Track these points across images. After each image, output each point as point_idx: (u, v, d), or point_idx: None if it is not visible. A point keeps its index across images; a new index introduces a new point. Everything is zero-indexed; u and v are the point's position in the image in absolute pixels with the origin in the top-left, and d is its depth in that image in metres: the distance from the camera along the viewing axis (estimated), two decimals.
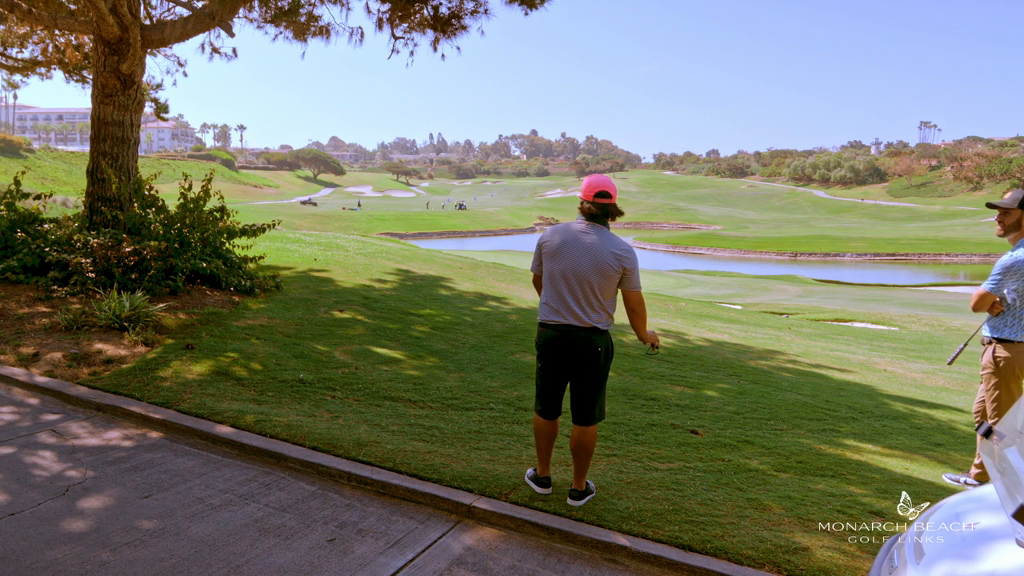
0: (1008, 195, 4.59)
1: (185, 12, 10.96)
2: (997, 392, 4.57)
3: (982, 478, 4.72)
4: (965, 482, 4.79)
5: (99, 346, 6.66)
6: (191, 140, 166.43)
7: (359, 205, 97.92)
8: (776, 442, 5.39)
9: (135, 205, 9.04)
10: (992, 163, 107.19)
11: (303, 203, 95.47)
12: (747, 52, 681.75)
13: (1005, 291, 4.47)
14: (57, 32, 12.92)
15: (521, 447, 5.01)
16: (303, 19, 10.70)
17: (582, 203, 3.95)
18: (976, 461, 4.85)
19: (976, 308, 4.59)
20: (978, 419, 4.83)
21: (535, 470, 4.31)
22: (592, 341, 3.92)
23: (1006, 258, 4.45)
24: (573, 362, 3.96)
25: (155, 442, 5.00)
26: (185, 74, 20.11)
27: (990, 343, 4.61)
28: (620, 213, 3.97)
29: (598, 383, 4.00)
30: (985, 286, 4.53)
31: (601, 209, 3.89)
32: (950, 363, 5.29)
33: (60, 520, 3.80)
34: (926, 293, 34.25)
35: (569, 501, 4.05)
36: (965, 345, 5.06)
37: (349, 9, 10.85)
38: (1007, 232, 4.56)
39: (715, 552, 3.57)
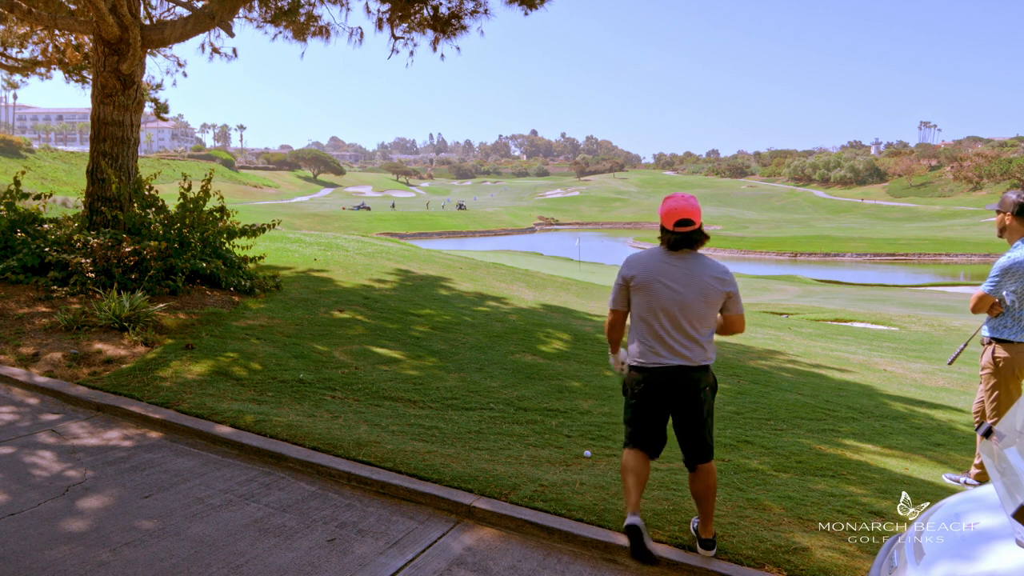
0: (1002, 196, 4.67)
1: (185, 12, 10.96)
2: (996, 392, 4.58)
3: (982, 478, 4.72)
4: (965, 482, 4.79)
5: (99, 346, 6.66)
6: (191, 140, 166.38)
7: (393, 206, 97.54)
8: (776, 442, 5.39)
9: (135, 205, 9.04)
10: (992, 163, 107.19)
11: (356, 208, 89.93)
12: (747, 52, 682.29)
13: (1004, 292, 4.48)
14: (57, 32, 12.93)
15: (521, 447, 5.01)
16: (303, 19, 10.70)
17: (663, 232, 3.53)
18: (976, 461, 4.85)
19: (975, 310, 4.61)
20: (977, 419, 4.84)
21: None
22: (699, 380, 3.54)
23: (1004, 260, 4.47)
24: (679, 402, 3.54)
25: (155, 442, 5.00)
26: (185, 74, 20.16)
27: (989, 343, 4.62)
28: (707, 237, 3.52)
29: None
30: (984, 288, 4.55)
31: (684, 238, 3.46)
32: (950, 363, 5.30)
33: (60, 520, 3.80)
34: (926, 293, 34.26)
35: (702, 550, 3.57)
36: (965, 345, 5.07)
37: (349, 9, 10.87)
38: (1000, 233, 4.62)
39: (715, 554, 3.57)
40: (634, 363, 3.60)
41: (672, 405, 3.57)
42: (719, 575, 3.42)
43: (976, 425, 4.61)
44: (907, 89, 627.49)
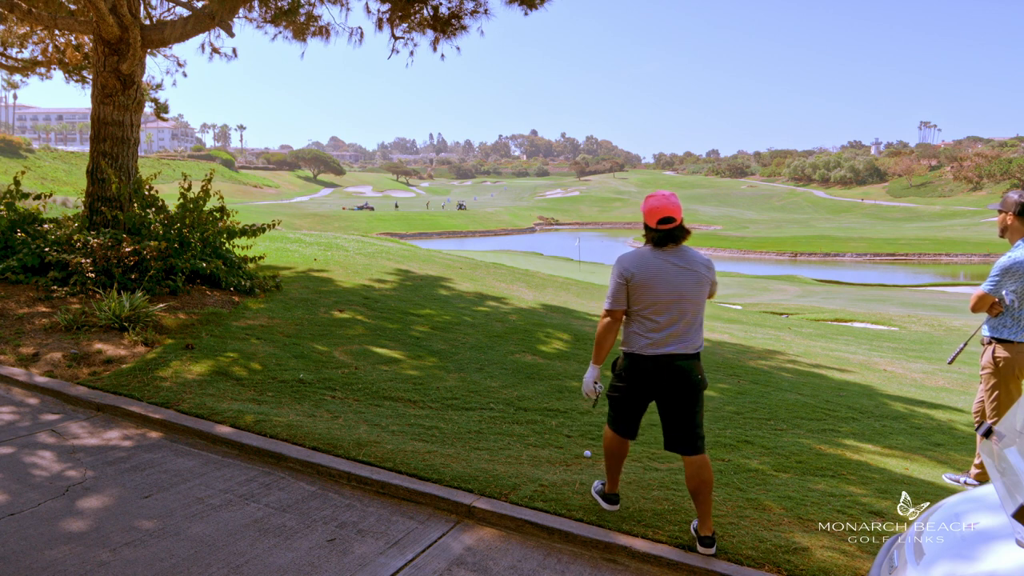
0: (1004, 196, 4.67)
1: (185, 12, 10.96)
2: (996, 392, 4.58)
3: (982, 478, 4.72)
4: (965, 482, 4.79)
5: (99, 346, 6.66)
6: (191, 140, 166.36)
7: (396, 206, 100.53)
8: (776, 442, 5.39)
9: (135, 205, 9.03)
10: (992, 163, 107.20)
11: (360, 208, 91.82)
12: (747, 52, 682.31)
13: (1003, 292, 4.48)
14: (57, 32, 12.92)
15: (521, 447, 5.01)
16: (303, 19, 10.70)
17: (647, 229, 3.69)
18: (976, 461, 4.85)
19: (975, 309, 4.61)
20: (978, 419, 4.84)
21: (603, 484, 4.10)
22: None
23: (1004, 260, 4.47)
24: (675, 390, 3.65)
25: (155, 442, 5.00)
26: (185, 74, 20.17)
27: (989, 343, 4.62)
28: (688, 233, 3.69)
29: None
30: (983, 287, 4.55)
31: (667, 235, 3.64)
32: (950, 362, 5.31)
33: (60, 520, 3.80)
34: (926, 293, 34.27)
35: (702, 548, 3.62)
36: (965, 344, 5.07)
37: (349, 9, 10.87)
38: (1001, 233, 4.62)
39: (715, 552, 3.57)
40: (630, 351, 3.71)
41: (663, 393, 3.67)
42: (719, 575, 3.42)
43: (976, 425, 4.61)
44: (907, 89, 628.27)
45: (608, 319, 3.75)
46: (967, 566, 2.13)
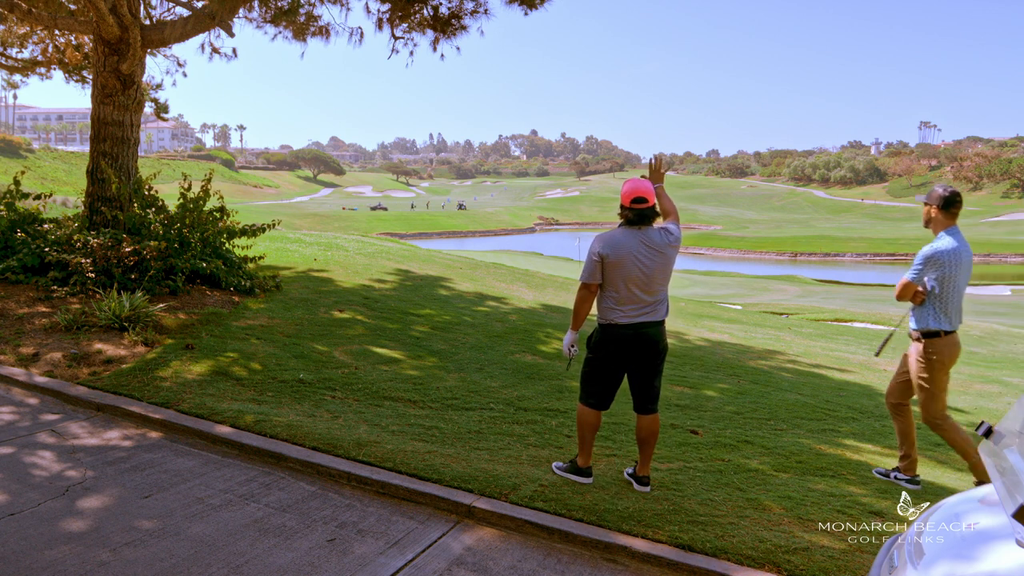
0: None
1: (185, 12, 10.95)
2: (928, 386, 4.61)
3: (909, 470, 4.79)
4: (895, 477, 4.82)
5: (99, 346, 6.66)
6: (191, 140, 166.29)
7: (412, 207, 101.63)
8: (776, 442, 5.39)
9: (135, 205, 9.03)
10: (992, 163, 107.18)
11: (373, 208, 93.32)
12: (747, 52, 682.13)
13: (926, 279, 4.55)
14: (57, 32, 12.92)
15: (521, 447, 5.01)
16: (302, 19, 10.70)
17: (623, 209, 4.08)
18: (900, 453, 4.89)
19: (899, 297, 4.70)
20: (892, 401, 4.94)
21: (575, 462, 4.41)
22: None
23: (927, 249, 4.59)
24: (644, 355, 4.13)
25: (155, 442, 5.00)
26: (185, 74, 20.16)
27: (918, 339, 4.67)
28: (658, 215, 4.12)
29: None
30: (907, 276, 4.66)
31: (639, 214, 4.04)
32: (877, 354, 5.39)
33: (60, 520, 3.80)
34: None
35: (639, 487, 4.29)
36: (889, 337, 5.21)
37: (349, 9, 10.86)
38: (925, 224, 4.72)
39: (715, 552, 3.57)
40: (606, 322, 4.12)
41: (635, 358, 4.12)
42: (719, 575, 3.42)
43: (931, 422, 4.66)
44: (907, 89, 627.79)
45: (584, 291, 4.17)
46: (967, 566, 2.13)
